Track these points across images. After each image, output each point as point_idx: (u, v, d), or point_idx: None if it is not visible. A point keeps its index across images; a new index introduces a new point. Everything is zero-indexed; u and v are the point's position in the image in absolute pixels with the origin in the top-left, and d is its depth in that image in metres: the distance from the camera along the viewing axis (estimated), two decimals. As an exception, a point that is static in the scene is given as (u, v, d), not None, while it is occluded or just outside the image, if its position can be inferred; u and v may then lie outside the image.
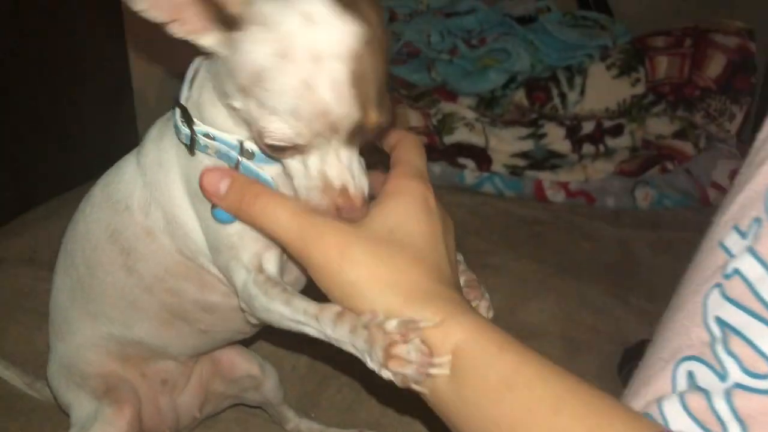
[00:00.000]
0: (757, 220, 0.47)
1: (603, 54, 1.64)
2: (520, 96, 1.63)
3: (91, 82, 1.66)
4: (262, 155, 0.62)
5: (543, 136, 1.58)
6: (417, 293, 0.54)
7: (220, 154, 0.63)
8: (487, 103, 1.63)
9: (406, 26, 1.83)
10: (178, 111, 0.65)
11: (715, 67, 1.62)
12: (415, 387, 0.52)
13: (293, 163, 0.59)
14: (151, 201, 0.71)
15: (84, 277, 0.78)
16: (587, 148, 1.61)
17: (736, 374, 0.45)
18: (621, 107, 1.63)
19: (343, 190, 0.57)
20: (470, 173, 1.57)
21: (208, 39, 0.57)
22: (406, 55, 1.78)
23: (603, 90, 1.62)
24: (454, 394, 0.51)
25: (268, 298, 0.61)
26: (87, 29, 1.62)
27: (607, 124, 1.62)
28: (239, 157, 0.63)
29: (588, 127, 1.61)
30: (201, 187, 0.61)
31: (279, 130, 0.55)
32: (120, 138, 1.78)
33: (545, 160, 1.59)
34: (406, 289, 0.54)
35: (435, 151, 1.57)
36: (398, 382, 0.52)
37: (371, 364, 0.53)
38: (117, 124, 1.76)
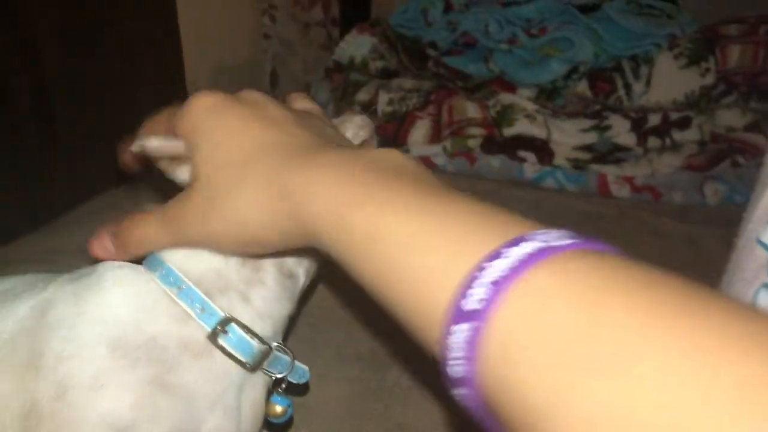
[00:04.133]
0: None
1: (671, 43, 1.57)
2: (582, 87, 1.56)
3: (146, 75, 1.65)
4: None
5: (607, 128, 1.52)
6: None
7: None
8: (547, 94, 1.57)
9: (463, 16, 1.78)
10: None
11: (792, 55, 1.54)
12: None
13: None
14: None
15: None
16: (653, 141, 1.54)
17: None
18: (689, 99, 1.55)
19: None
20: (530, 167, 1.51)
21: None
22: (463, 46, 1.74)
23: (670, 81, 1.55)
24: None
25: None
26: (142, 20, 1.61)
27: (674, 116, 1.55)
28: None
29: (654, 120, 1.54)
30: (92, 253, 0.56)
31: None
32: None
33: (609, 153, 1.52)
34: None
35: (494, 144, 1.51)
36: None
37: None
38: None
